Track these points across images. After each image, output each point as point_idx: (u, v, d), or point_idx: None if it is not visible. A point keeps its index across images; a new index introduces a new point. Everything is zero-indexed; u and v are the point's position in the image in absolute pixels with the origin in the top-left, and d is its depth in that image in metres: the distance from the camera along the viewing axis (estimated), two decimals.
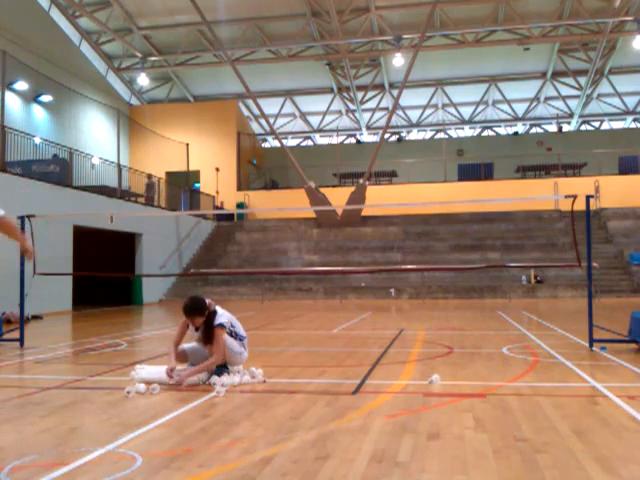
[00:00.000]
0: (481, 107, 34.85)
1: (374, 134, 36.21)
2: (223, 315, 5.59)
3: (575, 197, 7.29)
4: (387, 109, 34.11)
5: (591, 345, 7.43)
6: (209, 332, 5.49)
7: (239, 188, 30.86)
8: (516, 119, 35.31)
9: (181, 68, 30.65)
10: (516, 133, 34.71)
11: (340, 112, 35.48)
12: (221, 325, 5.47)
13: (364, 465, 3.11)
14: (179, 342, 5.67)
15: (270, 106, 33.38)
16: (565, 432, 3.70)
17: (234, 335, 5.65)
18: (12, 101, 21.17)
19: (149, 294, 21.56)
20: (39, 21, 24.00)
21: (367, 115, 35.34)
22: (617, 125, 35.36)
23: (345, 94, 33.60)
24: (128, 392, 4.95)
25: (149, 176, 23.70)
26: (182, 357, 5.70)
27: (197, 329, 5.61)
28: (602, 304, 16.61)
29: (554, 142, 32.01)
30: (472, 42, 26.94)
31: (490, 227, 25.74)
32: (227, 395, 4.93)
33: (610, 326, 8.63)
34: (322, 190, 26.21)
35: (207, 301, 5.59)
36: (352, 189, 26.23)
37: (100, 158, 21.49)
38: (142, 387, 5.07)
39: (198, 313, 5.50)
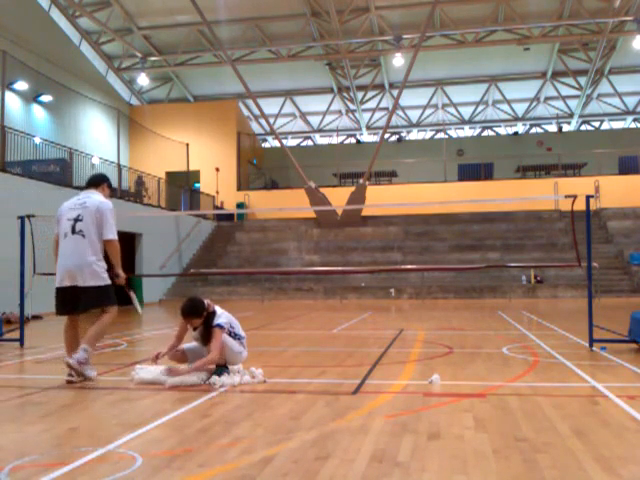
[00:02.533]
0: (481, 107, 34.86)
1: (374, 134, 36.21)
2: (222, 315, 5.58)
3: (575, 197, 7.29)
4: (387, 109, 34.12)
5: (591, 345, 7.43)
6: (208, 333, 5.50)
7: (239, 188, 30.87)
8: (516, 119, 35.31)
9: (181, 68, 30.65)
10: (516, 133, 34.72)
11: (340, 112, 35.49)
12: (219, 326, 5.46)
13: (364, 465, 3.11)
14: (182, 338, 5.74)
15: (270, 106, 33.38)
16: (565, 432, 3.70)
17: (233, 335, 5.64)
18: (12, 101, 21.17)
19: (149, 294, 21.56)
20: (39, 21, 23.99)
21: (367, 115, 35.34)
22: (617, 125, 35.37)
23: (345, 94, 33.61)
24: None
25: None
26: (181, 357, 5.71)
27: (195, 329, 5.62)
28: (602, 304, 16.61)
29: (554, 142, 32.02)
30: (472, 42, 26.94)
31: (490, 227, 25.74)
32: (227, 395, 4.93)
33: (610, 326, 8.63)
34: (322, 190, 26.21)
35: (205, 302, 5.58)
36: (352, 189, 26.23)
37: (100, 158, 21.49)
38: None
39: (195, 315, 5.50)
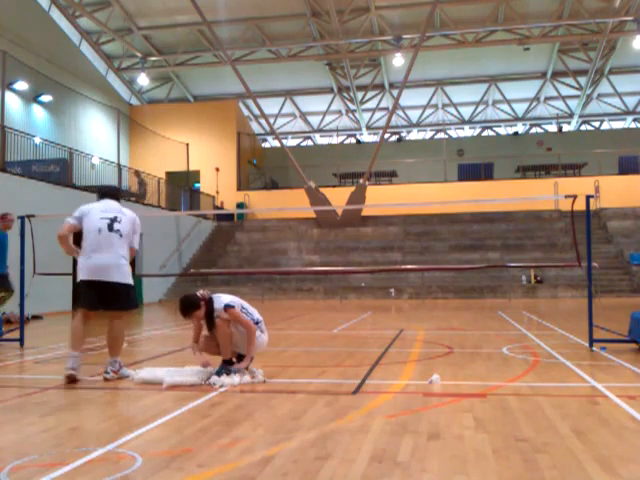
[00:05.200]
0: (481, 107, 34.86)
1: (374, 134, 36.22)
2: (227, 298, 5.61)
3: (575, 197, 7.29)
4: (387, 109, 34.11)
5: (591, 345, 7.43)
6: (212, 320, 5.51)
7: (239, 188, 30.87)
8: (516, 119, 35.31)
9: (181, 68, 30.65)
10: (516, 133, 34.72)
11: (340, 112, 35.48)
12: (228, 306, 5.47)
13: (364, 465, 3.11)
14: (198, 339, 5.74)
15: (270, 106, 33.38)
16: (565, 432, 3.70)
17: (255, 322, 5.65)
18: (12, 101, 21.16)
19: (149, 294, 21.55)
20: (39, 21, 23.99)
21: (367, 115, 35.34)
22: (617, 125, 35.37)
23: (345, 94, 33.61)
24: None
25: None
26: (216, 349, 5.63)
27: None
28: (602, 304, 16.61)
29: (554, 142, 32.02)
30: (472, 42, 26.95)
31: (490, 227, 25.74)
32: (227, 395, 4.93)
33: (610, 326, 8.63)
34: (322, 190, 26.21)
35: (199, 293, 5.61)
36: (352, 189, 26.23)
37: (100, 158, 21.49)
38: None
39: (193, 308, 5.52)
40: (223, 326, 5.47)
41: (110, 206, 5.97)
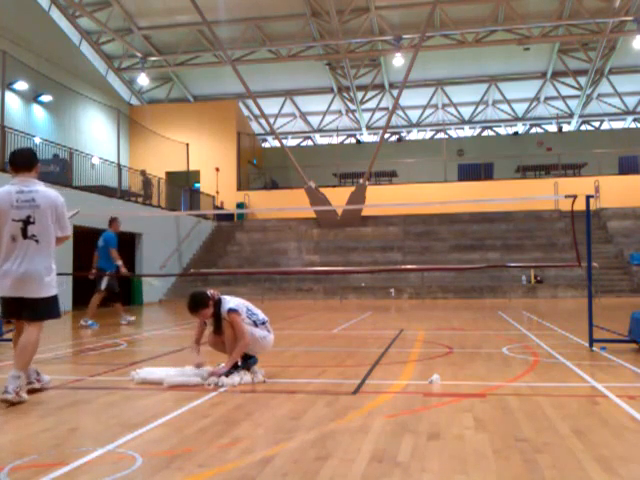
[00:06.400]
0: (481, 107, 34.87)
1: (374, 134, 36.22)
2: (232, 300, 5.62)
3: (575, 197, 7.29)
4: (387, 109, 34.12)
5: (591, 345, 7.43)
6: (218, 321, 5.54)
7: (239, 188, 30.87)
8: (516, 119, 35.32)
9: (181, 68, 30.66)
10: (516, 133, 34.72)
11: (340, 112, 35.49)
12: (231, 310, 5.47)
13: (364, 465, 3.11)
14: (199, 339, 5.77)
15: (270, 106, 33.39)
16: (565, 432, 3.70)
17: (255, 323, 5.66)
18: (12, 101, 21.16)
19: (149, 294, 21.56)
20: (39, 21, 23.99)
21: (367, 115, 35.35)
22: (617, 125, 35.38)
23: (345, 94, 33.62)
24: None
25: (143, 172, 23.73)
26: (223, 346, 5.66)
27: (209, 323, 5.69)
28: (602, 304, 16.61)
29: (554, 142, 32.02)
30: (472, 42, 26.95)
31: (490, 227, 25.74)
32: (227, 395, 4.93)
33: (610, 326, 8.63)
34: (322, 190, 26.20)
35: (209, 292, 5.63)
36: (352, 189, 26.23)
37: (100, 158, 21.49)
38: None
39: (202, 306, 5.53)
40: (230, 329, 5.49)
41: (25, 186, 4.97)
